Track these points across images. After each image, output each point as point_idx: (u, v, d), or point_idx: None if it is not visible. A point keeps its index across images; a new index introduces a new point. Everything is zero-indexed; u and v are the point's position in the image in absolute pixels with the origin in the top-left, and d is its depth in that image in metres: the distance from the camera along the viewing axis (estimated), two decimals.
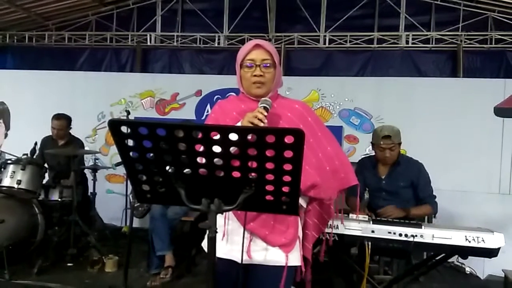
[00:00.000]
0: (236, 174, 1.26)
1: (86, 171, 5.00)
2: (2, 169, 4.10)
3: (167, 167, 1.29)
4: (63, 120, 4.75)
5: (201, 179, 1.28)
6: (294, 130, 1.16)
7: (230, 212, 1.70)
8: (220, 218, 1.67)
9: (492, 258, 2.44)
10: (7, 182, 3.98)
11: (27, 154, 4.22)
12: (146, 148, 1.23)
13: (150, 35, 6.45)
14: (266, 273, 1.72)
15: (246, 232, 1.70)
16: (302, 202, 1.78)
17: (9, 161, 4.13)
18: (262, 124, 1.57)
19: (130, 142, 1.24)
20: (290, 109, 1.81)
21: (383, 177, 3.39)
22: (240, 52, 1.81)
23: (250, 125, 1.57)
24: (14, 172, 4.01)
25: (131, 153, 1.27)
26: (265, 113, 1.61)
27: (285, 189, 1.29)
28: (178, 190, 1.30)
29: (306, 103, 1.94)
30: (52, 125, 4.74)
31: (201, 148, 1.21)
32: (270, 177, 1.26)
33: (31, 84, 6.11)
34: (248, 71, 1.76)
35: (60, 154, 4.56)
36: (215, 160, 1.23)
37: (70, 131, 4.87)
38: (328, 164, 1.80)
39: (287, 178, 1.25)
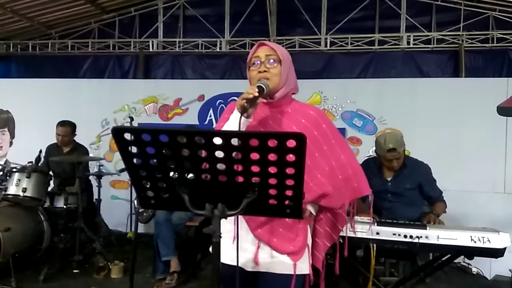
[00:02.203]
0: (239, 178, 1.25)
1: (90, 177, 5.02)
2: (8, 177, 4.12)
3: (171, 173, 1.29)
4: (67, 127, 4.77)
5: (205, 184, 1.28)
6: (296, 134, 1.15)
7: (240, 218, 1.67)
8: (229, 223, 1.62)
9: (499, 258, 2.42)
10: (12, 190, 4.01)
11: (32, 162, 4.25)
12: (149, 154, 1.23)
13: (152, 42, 6.49)
14: (274, 281, 1.69)
15: (254, 239, 1.69)
16: (312, 209, 1.75)
17: (14, 169, 4.14)
18: (251, 96, 1.54)
19: (134, 149, 1.23)
20: (304, 114, 1.76)
21: (388, 179, 3.38)
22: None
23: (243, 101, 1.54)
24: (19, 180, 4.03)
25: (134, 160, 1.27)
26: (257, 90, 1.57)
27: (288, 192, 1.28)
28: (181, 196, 1.30)
29: (320, 109, 1.89)
30: (57, 132, 4.75)
31: (204, 154, 1.20)
32: (273, 181, 1.25)
33: (35, 93, 6.16)
34: (254, 70, 1.74)
35: (65, 161, 4.57)
36: (218, 165, 1.22)
37: (75, 138, 4.89)
38: (341, 172, 1.75)
39: (290, 182, 1.24)
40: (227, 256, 1.61)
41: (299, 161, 1.19)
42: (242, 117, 1.54)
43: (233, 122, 1.59)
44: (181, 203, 1.31)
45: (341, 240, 2.00)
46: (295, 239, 1.69)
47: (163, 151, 1.22)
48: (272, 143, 1.15)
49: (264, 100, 1.74)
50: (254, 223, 1.68)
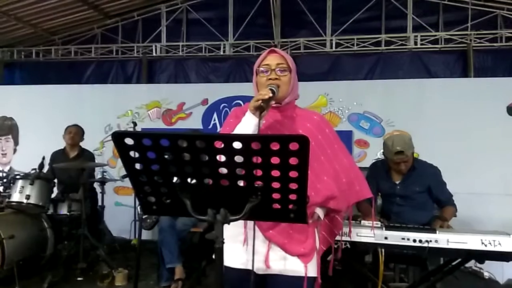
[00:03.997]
0: (242, 183, 1.24)
1: (94, 184, 4.98)
2: (12, 184, 4.12)
3: (173, 178, 1.28)
4: (79, 128, 4.87)
5: (207, 189, 1.27)
6: (299, 136, 1.14)
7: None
8: (238, 227, 1.67)
9: (511, 262, 2.39)
10: (16, 197, 4.00)
11: (35, 169, 4.23)
12: (150, 159, 1.22)
13: (156, 46, 6.48)
14: (285, 284, 1.69)
15: (264, 240, 1.68)
16: (320, 213, 1.76)
17: (18, 176, 4.14)
18: (267, 97, 1.59)
19: (135, 154, 1.23)
20: (309, 120, 1.82)
21: (397, 182, 3.32)
22: (257, 60, 1.83)
23: (258, 102, 1.58)
24: (23, 187, 4.02)
25: (136, 165, 1.26)
26: (270, 92, 1.62)
27: (292, 196, 1.26)
28: (183, 201, 1.29)
29: (322, 115, 1.94)
30: (69, 130, 4.80)
31: (206, 158, 1.19)
32: (276, 185, 1.23)
33: (39, 99, 6.18)
34: (263, 76, 1.77)
35: (69, 167, 4.56)
36: (220, 169, 1.21)
37: (81, 144, 4.90)
38: (345, 176, 1.80)
39: (293, 186, 1.22)
40: (238, 260, 1.66)
41: (303, 164, 1.17)
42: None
43: (247, 123, 1.63)
44: (183, 208, 1.30)
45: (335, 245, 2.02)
46: (306, 241, 1.70)
47: (165, 155, 1.21)
48: (274, 146, 1.14)
49: (273, 102, 1.78)
50: (265, 224, 1.67)
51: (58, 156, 4.82)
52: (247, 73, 6.16)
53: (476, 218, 4.32)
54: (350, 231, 2.25)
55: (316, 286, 1.80)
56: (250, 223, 1.69)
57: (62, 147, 4.88)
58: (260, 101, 1.57)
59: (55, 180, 4.53)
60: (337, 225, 1.88)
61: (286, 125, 1.77)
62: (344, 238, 2.25)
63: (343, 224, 1.92)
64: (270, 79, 1.74)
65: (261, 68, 1.78)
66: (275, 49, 1.82)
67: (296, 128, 1.77)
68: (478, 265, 4.16)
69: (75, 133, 4.81)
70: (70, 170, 4.61)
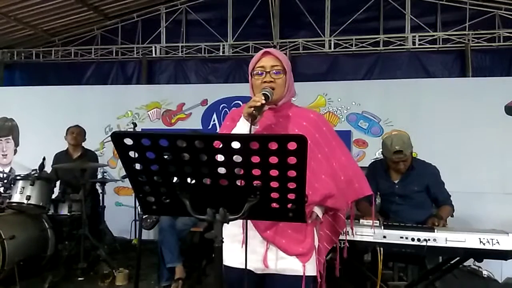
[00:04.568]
0: (240, 182, 1.24)
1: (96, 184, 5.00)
2: (12, 185, 4.13)
3: (172, 178, 1.28)
4: (80, 128, 4.89)
5: (206, 189, 1.27)
6: (297, 136, 1.14)
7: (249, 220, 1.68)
8: (237, 227, 1.66)
9: (510, 261, 2.39)
10: (16, 198, 4.01)
11: (36, 170, 4.24)
12: (149, 159, 1.22)
13: (155, 47, 6.49)
14: (283, 283, 1.69)
15: (262, 240, 1.69)
16: (318, 212, 1.75)
17: (18, 177, 4.15)
18: (259, 104, 1.56)
19: (134, 154, 1.23)
20: (306, 118, 1.81)
21: (396, 181, 3.33)
22: (251, 62, 1.83)
23: (251, 109, 1.56)
24: (23, 188, 4.03)
25: (135, 165, 1.27)
26: (263, 98, 1.60)
27: (291, 196, 1.26)
28: (183, 201, 1.29)
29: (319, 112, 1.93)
30: (71, 131, 4.80)
31: (204, 158, 1.19)
32: (274, 184, 1.23)
33: (39, 100, 6.18)
34: (258, 79, 1.76)
35: (70, 168, 4.55)
36: (219, 169, 1.21)
37: (83, 144, 4.91)
38: (343, 173, 1.79)
39: (292, 185, 1.23)
40: (236, 260, 1.66)
41: (301, 164, 1.18)
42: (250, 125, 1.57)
43: (242, 130, 1.62)
44: (182, 208, 1.30)
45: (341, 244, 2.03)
46: (304, 240, 1.70)
47: (164, 156, 1.21)
48: (272, 145, 1.14)
49: (267, 106, 1.76)
50: (262, 224, 1.68)
51: (61, 157, 4.82)
52: (246, 73, 6.13)
53: (474, 216, 4.32)
54: (352, 229, 2.28)
55: (323, 285, 1.81)
56: (249, 224, 1.68)
57: (65, 148, 4.87)
58: (253, 109, 1.56)
59: (58, 181, 4.53)
60: (340, 223, 1.87)
61: (281, 124, 1.77)
62: (343, 237, 2.26)
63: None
64: (265, 81, 1.74)
65: (256, 71, 1.77)
66: (269, 50, 1.81)
67: (292, 127, 1.76)
68: (477, 263, 4.18)
69: (78, 133, 4.82)
70: (74, 171, 4.60)
